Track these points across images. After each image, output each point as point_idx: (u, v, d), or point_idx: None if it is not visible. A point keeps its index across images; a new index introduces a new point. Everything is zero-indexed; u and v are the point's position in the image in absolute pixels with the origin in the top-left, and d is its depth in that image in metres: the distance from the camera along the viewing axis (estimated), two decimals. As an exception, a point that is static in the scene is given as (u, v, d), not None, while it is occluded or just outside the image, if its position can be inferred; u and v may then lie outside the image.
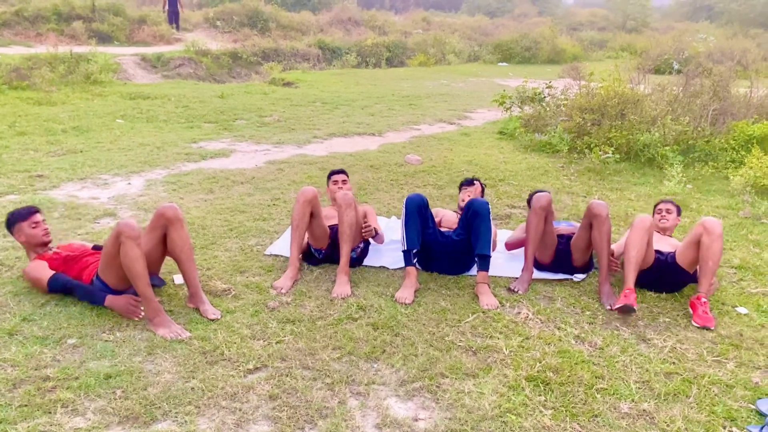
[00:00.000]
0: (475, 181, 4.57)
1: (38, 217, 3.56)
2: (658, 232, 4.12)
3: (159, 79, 14.88)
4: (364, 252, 4.15)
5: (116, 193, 5.43)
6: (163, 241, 3.37)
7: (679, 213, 4.24)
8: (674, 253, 3.77)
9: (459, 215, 4.31)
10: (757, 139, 6.91)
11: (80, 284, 3.34)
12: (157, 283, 3.48)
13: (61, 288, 3.33)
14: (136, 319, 3.16)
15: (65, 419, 2.39)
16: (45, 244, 3.57)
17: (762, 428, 2.45)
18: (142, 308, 3.16)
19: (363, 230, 4.00)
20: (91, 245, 3.78)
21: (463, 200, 4.36)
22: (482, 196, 4.53)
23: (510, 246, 4.40)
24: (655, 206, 4.30)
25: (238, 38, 21.10)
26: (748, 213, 5.34)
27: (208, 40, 19.18)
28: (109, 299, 3.22)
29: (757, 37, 25.69)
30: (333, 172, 4.52)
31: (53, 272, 3.38)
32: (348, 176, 4.54)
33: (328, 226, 4.02)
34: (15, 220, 3.54)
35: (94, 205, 5.03)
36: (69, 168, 6.10)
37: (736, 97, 8.18)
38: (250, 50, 19.00)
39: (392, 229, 4.61)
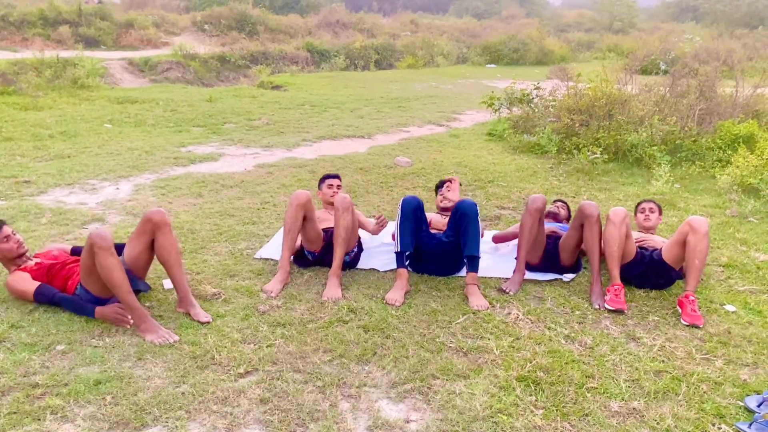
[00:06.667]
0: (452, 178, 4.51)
1: (6, 230, 3.44)
2: (642, 231, 4.18)
3: (147, 83, 14.83)
4: (357, 256, 4.13)
5: (104, 198, 5.40)
6: (151, 246, 3.35)
7: (660, 212, 4.29)
8: (660, 249, 3.81)
9: (442, 215, 4.34)
10: (743, 139, 6.98)
11: (67, 297, 3.29)
12: (142, 288, 3.46)
13: (48, 301, 3.29)
14: (127, 327, 3.14)
15: (55, 426, 2.37)
16: (21, 256, 3.49)
17: (750, 425, 2.47)
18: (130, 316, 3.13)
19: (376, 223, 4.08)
20: (69, 247, 3.77)
21: (440, 200, 4.38)
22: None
23: (497, 239, 4.48)
24: (638, 205, 4.35)
25: (226, 42, 21.07)
26: (735, 212, 5.38)
27: (195, 43, 19.13)
28: (98, 311, 3.19)
29: (742, 37, 25.87)
30: (326, 176, 4.48)
31: (38, 284, 3.32)
32: (341, 180, 4.53)
33: (322, 230, 4.01)
34: None
35: (82, 211, 5.00)
36: (56, 173, 6.06)
37: (722, 97, 8.23)
38: (239, 54, 18.97)
39: (383, 231, 4.60)
